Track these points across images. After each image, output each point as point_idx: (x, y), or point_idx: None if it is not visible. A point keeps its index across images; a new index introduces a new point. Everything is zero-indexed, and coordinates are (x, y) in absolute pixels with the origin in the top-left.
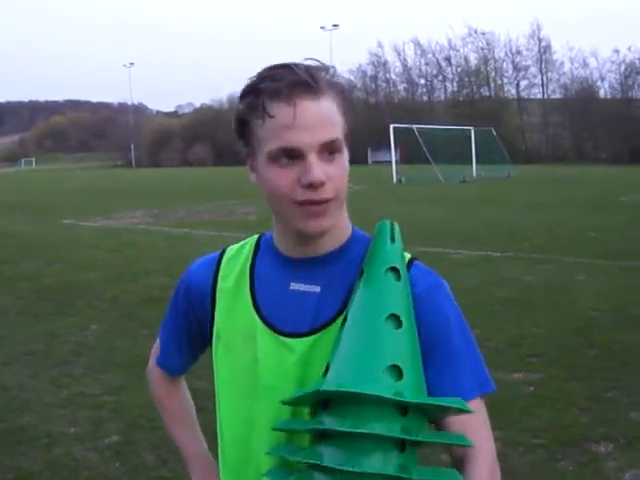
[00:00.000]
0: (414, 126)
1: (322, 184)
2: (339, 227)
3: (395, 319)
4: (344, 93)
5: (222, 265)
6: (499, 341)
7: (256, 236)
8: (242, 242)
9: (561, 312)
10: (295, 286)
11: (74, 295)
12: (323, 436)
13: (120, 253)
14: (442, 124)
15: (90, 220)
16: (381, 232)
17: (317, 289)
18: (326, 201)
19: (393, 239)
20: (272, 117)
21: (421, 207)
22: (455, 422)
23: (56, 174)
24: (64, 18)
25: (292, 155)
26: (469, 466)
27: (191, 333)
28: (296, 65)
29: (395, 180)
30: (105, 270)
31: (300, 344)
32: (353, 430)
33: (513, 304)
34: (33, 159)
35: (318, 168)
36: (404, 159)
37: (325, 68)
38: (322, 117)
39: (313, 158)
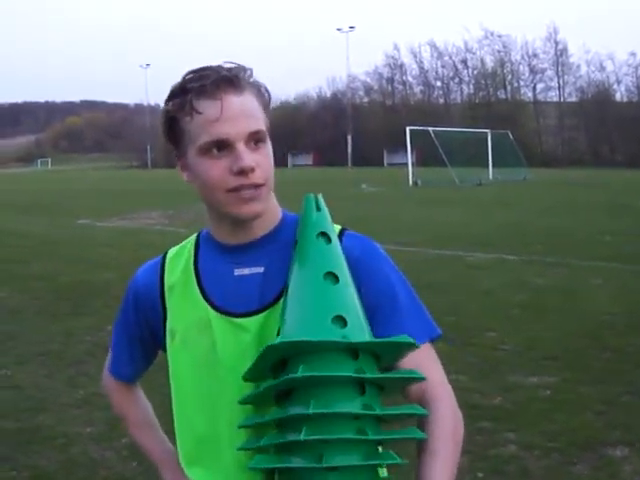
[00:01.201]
0: (430, 128)
1: (252, 170)
2: (270, 211)
3: (332, 276)
4: (262, 91)
5: (166, 266)
6: (514, 344)
7: (194, 235)
8: (182, 243)
9: (575, 315)
10: (239, 271)
11: (90, 295)
12: (286, 396)
13: (136, 254)
14: (458, 127)
15: (106, 220)
16: (307, 204)
17: (260, 270)
18: (257, 186)
19: (318, 208)
20: (200, 113)
21: (437, 210)
22: (407, 365)
23: (72, 174)
24: (81, 19)
25: (222, 146)
26: (430, 405)
27: (143, 339)
28: (218, 66)
29: (411, 182)
30: (121, 270)
31: (253, 323)
32: (303, 375)
33: (527, 307)
34: (49, 159)
35: (248, 155)
36: (420, 161)
37: (243, 69)
38: (246, 110)
39: (241, 147)
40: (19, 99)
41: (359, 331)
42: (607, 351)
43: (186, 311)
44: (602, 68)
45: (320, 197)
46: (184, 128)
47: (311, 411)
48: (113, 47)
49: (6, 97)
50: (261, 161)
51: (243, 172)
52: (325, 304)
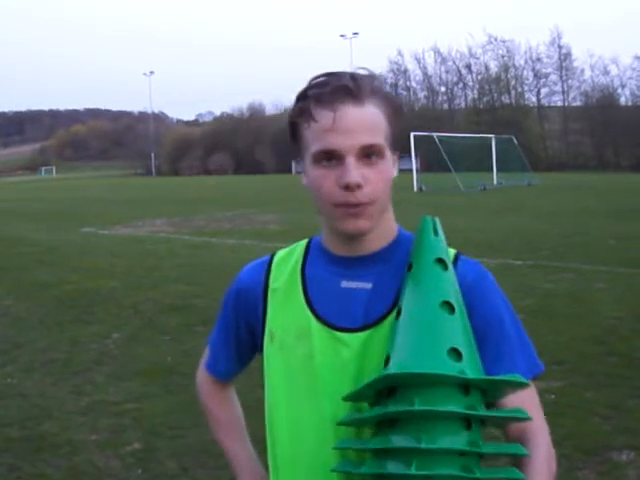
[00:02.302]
0: (434, 134)
1: (358, 186)
2: (384, 228)
3: (448, 306)
4: (391, 102)
5: (273, 267)
6: None
7: (305, 240)
8: (291, 246)
9: (581, 320)
10: (346, 284)
11: (95, 303)
12: (390, 424)
13: (140, 261)
14: (462, 132)
15: (110, 228)
16: (424, 227)
17: (368, 286)
18: (362, 204)
19: (436, 232)
20: (316, 121)
21: (442, 215)
22: (510, 403)
23: (76, 182)
24: (85, 27)
25: (331, 157)
26: (528, 444)
27: (240, 340)
28: (343, 73)
29: (416, 188)
30: (125, 278)
31: (354, 339)
32: (421, 409)
33: (533, 312)
34: (53, 167)
35: (355, 170)
36: (424, 167)
37: (371, 76)
38: (362, 122)
39: (351, 160)
40: (23, 108)
41: (473, 365)
42: (613, 356)
43: (287, 315)
44: (606, 72)
45: (437, 220)
46: (302, 134)
47: (424, 446)
48: (117, 55)
49: (10, 106)
50: (372, 178)
51: (348, 187)
52: (441, 335)
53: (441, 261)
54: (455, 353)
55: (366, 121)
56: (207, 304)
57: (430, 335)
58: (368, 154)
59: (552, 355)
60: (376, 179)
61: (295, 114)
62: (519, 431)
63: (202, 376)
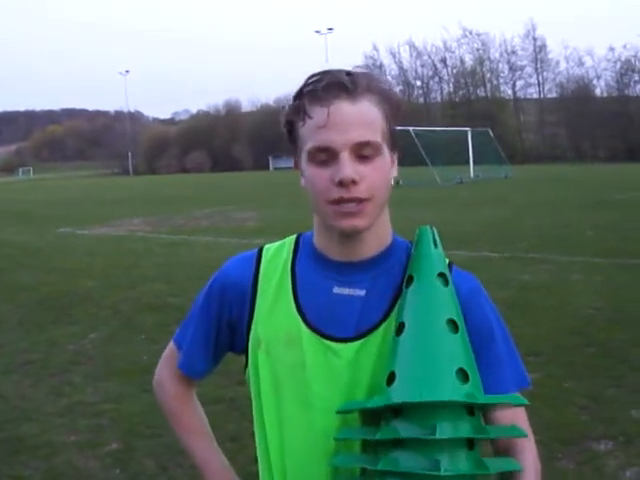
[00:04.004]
0: (411, 128)
1: (353, 182)
2: (381, 231)
3: (452, 324)
4: (389, 99)
5: (263, 265)
6: None
7: (294, 236)
8: (279, 242)
9: (559, 311)
10: (338, 290)
11: (73, 303)
12: (395, 443)
13: (118, 261)
14: (439, 125)
15: (88, 228)
16: (424, 237)
17: (362, 293)
18: (358, 200)
19: (435, 244)
20: (311, 118)
21: (419, 209)
22: (503, 418)
23: (54, 183)
24: (60, 27)
25: (326, 154)
26: (518, 456)
27: (219, 336)
28: (338, 70)
29: (393, 182)
30: (103, 278)
31: (347, 349)
32: (434, 437)
33: (511, 304)
34: (30, 168)
35: (349, 166)
36: (401, 161)
37: (368, 75)
38: (357, 118)
39: (345, 157)
40: None
41: (477, 385)
42: (591, 346)
43: (276, 320)
44: (581, 63)
45: (436, 231)
46: (298, 132)
47: (443, 473)
48: (92, 54)
49: None
50: (367, 174)
51: (342, 184)
52: (448, 355)
53: (442, 275)
54: (462, 374)
55: (361, 117)
56: (183, 303)
57: (438, 355)
58: (362, 151)
59: (529, 346)
60: (372, 176)
61: (290, 112)
62: (509, 443)
63: (171, 376)
